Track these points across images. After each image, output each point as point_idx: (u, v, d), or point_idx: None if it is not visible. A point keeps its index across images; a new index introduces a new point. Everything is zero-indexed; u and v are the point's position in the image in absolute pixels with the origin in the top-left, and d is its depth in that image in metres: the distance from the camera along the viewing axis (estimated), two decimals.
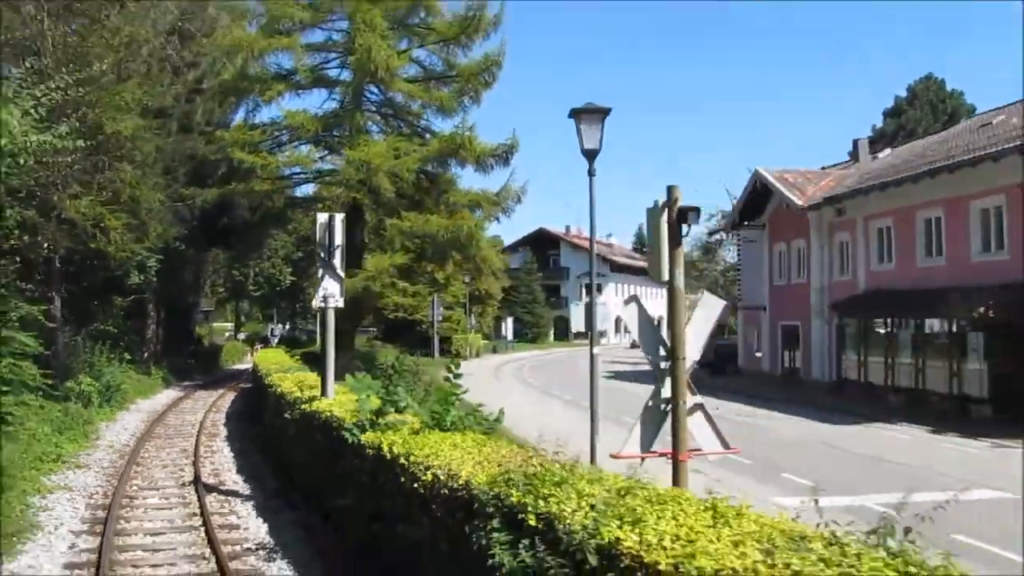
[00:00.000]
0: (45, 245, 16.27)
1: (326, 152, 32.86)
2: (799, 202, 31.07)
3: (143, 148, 18.95)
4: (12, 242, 14.35)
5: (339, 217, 11.55)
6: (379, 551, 7.29)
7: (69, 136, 11.84)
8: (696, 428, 6.66)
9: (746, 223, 36.10)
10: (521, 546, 4.27)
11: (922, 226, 25.74)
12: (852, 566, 2.96)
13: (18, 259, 14.82)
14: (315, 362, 24.67)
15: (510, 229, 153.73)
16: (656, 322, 6.98)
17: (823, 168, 36.67)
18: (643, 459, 6.53)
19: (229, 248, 38.52)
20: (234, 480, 13.54)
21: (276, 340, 37.76)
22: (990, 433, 18.83)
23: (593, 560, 3.69)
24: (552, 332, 79.74)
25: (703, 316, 6.79)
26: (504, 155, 31.55)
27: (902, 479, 13.35)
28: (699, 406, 6.69)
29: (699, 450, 6.76)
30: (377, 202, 30.51)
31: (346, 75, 31.29)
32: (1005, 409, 20.27)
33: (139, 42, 19.34)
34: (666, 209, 6.61)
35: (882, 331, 26.56)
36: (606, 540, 3.69)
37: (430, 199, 31.31)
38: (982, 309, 20.63)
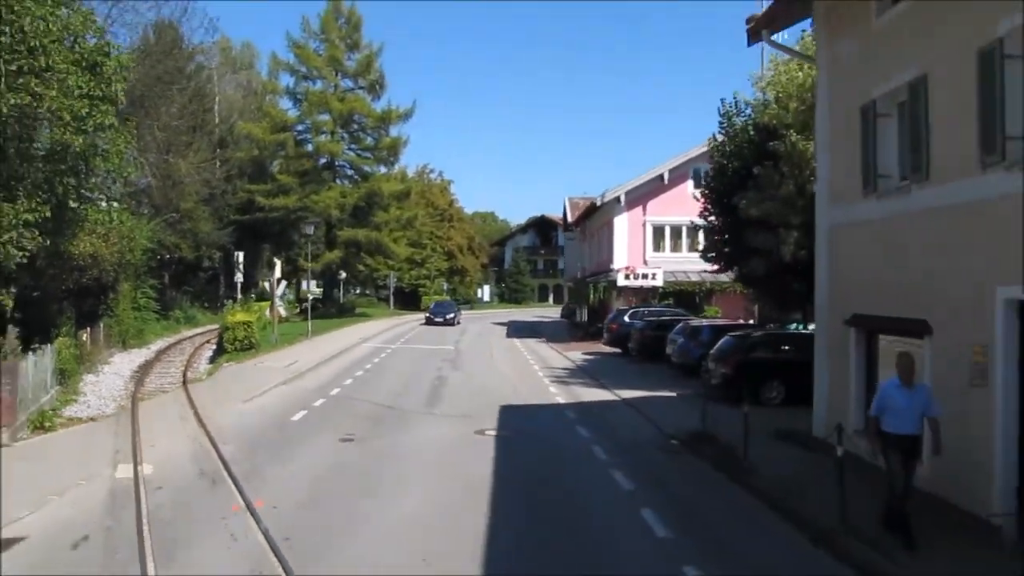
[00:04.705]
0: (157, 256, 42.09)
1: (314, 188, 57.96)
2: (569, 219, 54.27)
3: (197, 212, 44.64)
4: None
5: (240, 254, 36.52)
6: None
7: (161, 226, 37.27)
8: (278, 306, 31.37)
9: (571, 228, 59.26)
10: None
11: (596, 241, 48.61)
12: None
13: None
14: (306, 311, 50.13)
15: (531, 210, 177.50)
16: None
17: None
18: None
19: (269, 243, 64.49)
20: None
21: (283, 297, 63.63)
22: (563, 339, 41.88)
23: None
24: (544, 296, 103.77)
25: (280, 287, 31.31)
26: (406, 192, 56.36)
27: (435, 344, 37.14)
28: (279, 300, 31.36)
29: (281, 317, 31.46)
30: (336, 221, 55.72)
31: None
32: (588, 329, 43.49)
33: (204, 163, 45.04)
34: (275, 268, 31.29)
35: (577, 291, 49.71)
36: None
37: (364, 219, 56.34)
38: (571, 282, 43.91)
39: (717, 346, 20.54)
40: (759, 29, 14.34)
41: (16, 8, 14.24)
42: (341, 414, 17.44)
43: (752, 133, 22.59)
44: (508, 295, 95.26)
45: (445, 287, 79.69)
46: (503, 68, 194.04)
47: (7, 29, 14.31)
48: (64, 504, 10.28)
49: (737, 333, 21.14)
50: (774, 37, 14.96)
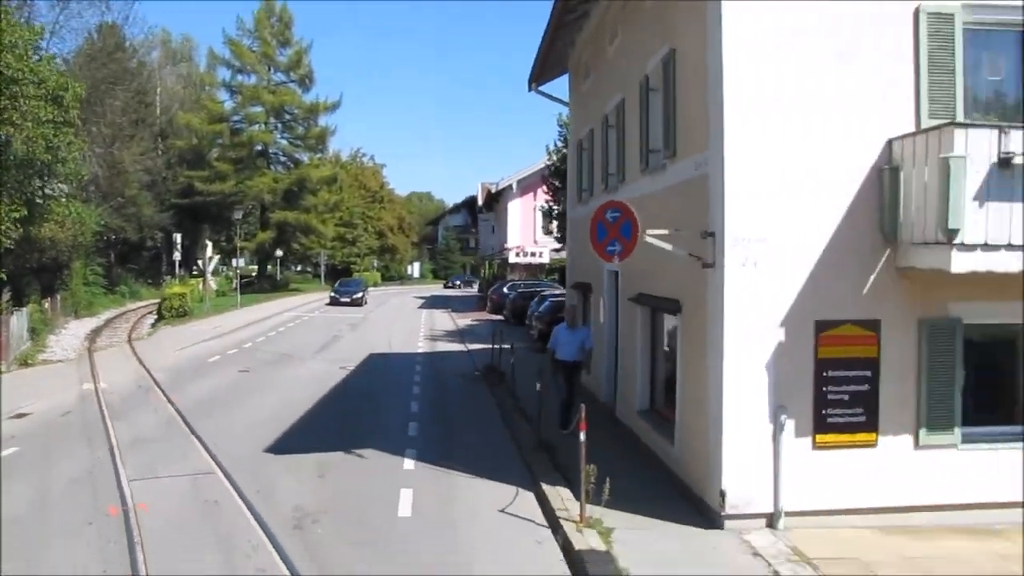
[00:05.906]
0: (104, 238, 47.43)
1: (248, 174, 63.39)
2: (480, 202, 60.65)
3: (140, 197, 50.00)
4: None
5: (178, 236, 42.16)
6: None
7: (108, 211, 42.72)
8: (210, 281, 37.26)
9: (481, 210, 65.64)
10: None
11: (499, 222, 55.00)
12: None
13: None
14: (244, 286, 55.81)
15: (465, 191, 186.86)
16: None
17: None
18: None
19: (207, 224, 69.71)
20: None
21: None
22: (466, 309, 48.24)
23: None
24: (475, 273, 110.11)
25: (211, 264, 37.19)
26: (333, 178, 62.13)
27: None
28: (211, 276, 37.27)
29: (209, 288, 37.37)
30: (269, 204, 61.33)
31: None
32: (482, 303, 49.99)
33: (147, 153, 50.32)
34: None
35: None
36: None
37: (295, 202, 61.99)
38: (478, 259, 50.35)
39: (539, 309, 27.16)
40: (532, 81, 20.72)
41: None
42: (247, 358, 23.69)
43: None
44: (440, 272, 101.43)
45: (376, 264, 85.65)
46: (439, 55, 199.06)
47: None
48: (51, 400, 16.46)
49: (555, 299, 27.77)
50: (546, 87, 21.33)
